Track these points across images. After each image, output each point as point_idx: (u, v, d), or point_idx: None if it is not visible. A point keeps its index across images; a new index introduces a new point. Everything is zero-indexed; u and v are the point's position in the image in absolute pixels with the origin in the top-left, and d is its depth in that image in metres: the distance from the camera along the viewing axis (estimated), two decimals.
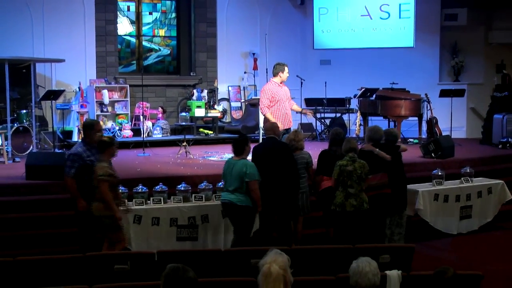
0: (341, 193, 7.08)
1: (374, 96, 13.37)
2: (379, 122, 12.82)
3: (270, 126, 7.92)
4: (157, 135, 13.17)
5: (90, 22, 13.63)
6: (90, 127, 7.05)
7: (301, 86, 13.72)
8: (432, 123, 12.87)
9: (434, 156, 10.73)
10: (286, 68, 9.31)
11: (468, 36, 14.94)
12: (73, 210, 7.12)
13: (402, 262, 5.55)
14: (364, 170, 7.10)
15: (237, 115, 14.83)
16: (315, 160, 7.92)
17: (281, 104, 9.18)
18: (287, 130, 8.98)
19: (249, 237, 7.08)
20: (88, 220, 6.77)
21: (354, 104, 14.04)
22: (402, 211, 7.71)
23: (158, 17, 15.06)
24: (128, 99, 13.60)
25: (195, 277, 3.65)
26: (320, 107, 13.95)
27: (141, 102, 13.19)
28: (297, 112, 9.57)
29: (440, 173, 8.87)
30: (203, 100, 13.51)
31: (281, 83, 9.27)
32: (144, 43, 14.96)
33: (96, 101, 13.19)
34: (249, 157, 7.65)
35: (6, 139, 10.82)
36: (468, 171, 9.09)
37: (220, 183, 7.85)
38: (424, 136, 13.13)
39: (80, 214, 6.84)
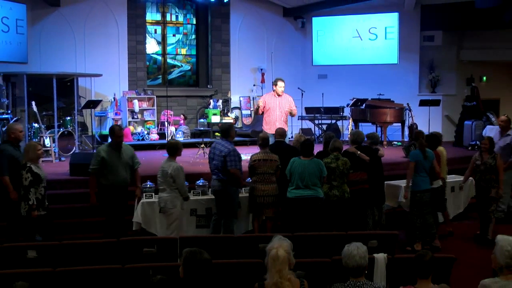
0: (326, 185, 7.13)
1: (364, 105, 13.37)
2: (368, 128, 12.83)
3: (279, 132, 7.98)
4: (179, 138, 13.17)
5: (123, 42, 13.70)
6: (231, 127, 7.26)
7: (302, 96, 13.72)
8: (413, 128, 12.80)
9: None
10: (278, 82, 9.26)
11: (443, 54, 14.92)
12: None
13: (387, 247, 5.53)
14: (346, 166, 7.14)
15: (247, 121, 14.83)
16: None
17: (271, 112, 9.20)
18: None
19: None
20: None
21: (347, 112, 14.02)
22: (381, 204, 7.64)
23: (180, 38, 15.09)
24: (155, 107, 13.64)
25: (209, 258, 3.65)
26: (318, 115, 13.97)
27: (166, 110, 13.22)
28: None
29: None
30: (218, 109, 13.51)
31: (277, 94, 9.22)
32: (169, 60, 14.99)
33: (128, 110, 13.24)
34: None
35: (53, 141, 10.92)
36: None
37: None
38: (406, 139, 13.10)
39: (235, 194, 7.18)
